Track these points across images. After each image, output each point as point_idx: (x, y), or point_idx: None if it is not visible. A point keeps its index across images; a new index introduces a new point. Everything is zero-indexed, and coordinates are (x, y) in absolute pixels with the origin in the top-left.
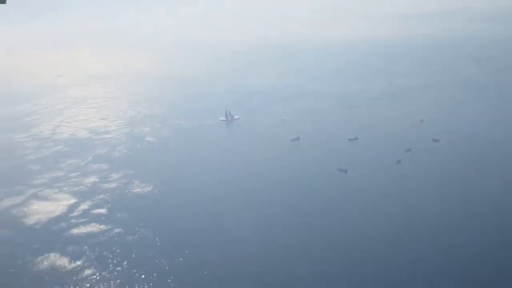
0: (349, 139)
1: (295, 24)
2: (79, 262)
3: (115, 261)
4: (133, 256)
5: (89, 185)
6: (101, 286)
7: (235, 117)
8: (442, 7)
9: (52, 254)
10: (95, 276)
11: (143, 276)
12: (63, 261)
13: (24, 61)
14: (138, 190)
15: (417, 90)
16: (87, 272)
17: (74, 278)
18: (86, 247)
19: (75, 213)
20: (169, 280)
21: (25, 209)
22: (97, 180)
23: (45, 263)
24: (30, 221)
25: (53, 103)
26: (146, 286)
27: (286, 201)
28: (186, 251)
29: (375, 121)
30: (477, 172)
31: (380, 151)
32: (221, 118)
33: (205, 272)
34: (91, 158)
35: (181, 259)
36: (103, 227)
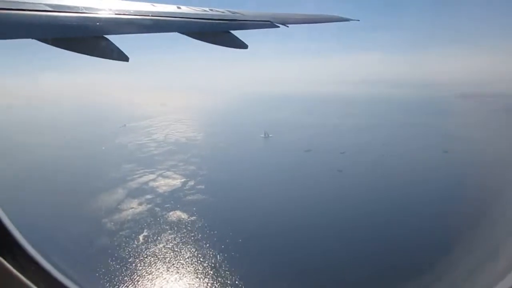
0: (340, 153)
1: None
2: (193, 217)
3: (214, 217)
4: (224, 213)
5: (191, 170)
6: (208, 232)
7: (270, 135)
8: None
9: (177, 211)
10: (204, 227)
11: (231, 225)
12: (184, 216)
13: (144, 97)
14: (222, 175)
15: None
16: (199, 224)
17: (191, 227)
18: (196, 208)
19: (186, 187)
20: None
21: (157, 183)
22: (195, 168)
23: (174, 216)
24: (161, 190)
25: (162, 121)
26: (230, 232)
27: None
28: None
29: (358, 142)
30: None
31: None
32: (261, 135)
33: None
34: (190, 154)
35: (249, 214)
36: (204, 196)
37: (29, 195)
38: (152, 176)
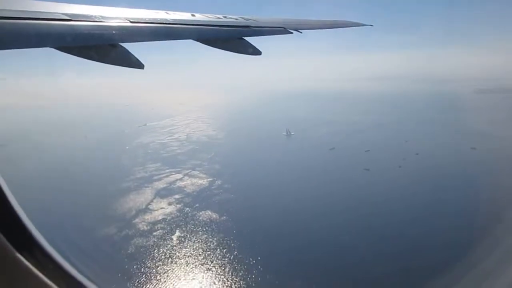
0: (365, 151)
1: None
2: (224, 217)
3: (244, 216)
4: (254, 212)
5: (217, 169)
6: (239, 232)
7: (292, 133)
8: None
9: (207, 211)
10: (235, 226)
11: (260, 224)
12: (215, 216)
13: (161, 97)
14: (247, 173)
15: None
16: (230, 223)
17: (223, 227)
18: (225, 208)
19: (214, 186)
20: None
21: (184, 182)
22: (220, 167)
23: (205, 216)
24: (189, 189)
25: (182, 120)
26: (261, 231)
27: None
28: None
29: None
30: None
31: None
32: (283, 133)
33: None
34: (213, 153)
35: (278, 214)
36: (232, 196)
37: (57, 196)
38: (178, 176)
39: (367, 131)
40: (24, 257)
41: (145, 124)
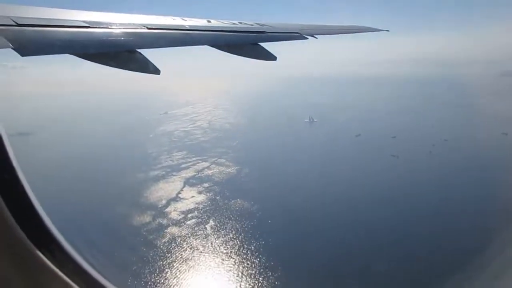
0: (392, 137)
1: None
2: (256, 206)
3: (276, 202)
4: (285, 202)
5: (243, 157)
6: (272, 222)
7: (315, 120)
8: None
9: (238, 200)
10: (265, 212)
11: (292, 214)
12: (246, 204)
13: (180, 85)
14: (274, 161)
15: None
16: (262, 212)
17: (255, 216)
18: (257, 195)
19: (242, 174)
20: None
21: (212, 171)
22: (246, 155)
23: (236, 205)
24: (217, 178)
25: (202, 107)
26: (293, 221)
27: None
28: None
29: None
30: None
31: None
32: (306, 120)
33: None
34: (237, 141)
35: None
36: (261, 184)
37: (87, 186)
38: (205, 164)
39: (391, 116)
40: (44, 254)
41: (166, 112)
